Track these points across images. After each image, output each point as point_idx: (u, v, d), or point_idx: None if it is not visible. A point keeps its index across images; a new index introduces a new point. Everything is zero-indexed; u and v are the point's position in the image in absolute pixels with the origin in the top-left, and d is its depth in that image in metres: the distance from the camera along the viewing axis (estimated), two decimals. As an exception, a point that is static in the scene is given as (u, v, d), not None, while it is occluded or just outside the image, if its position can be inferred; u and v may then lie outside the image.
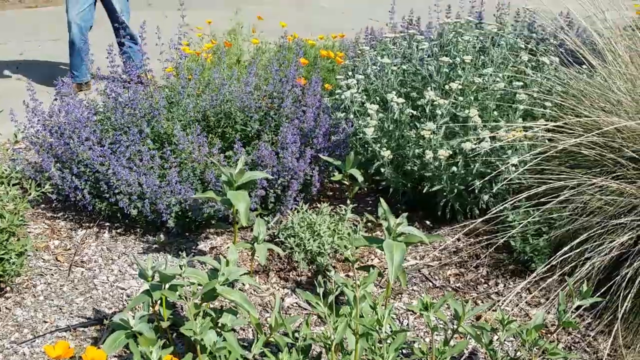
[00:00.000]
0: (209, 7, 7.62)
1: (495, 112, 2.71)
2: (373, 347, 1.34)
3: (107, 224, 2.82)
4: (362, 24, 4.43)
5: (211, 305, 2.08)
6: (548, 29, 3.37)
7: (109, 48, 2.96)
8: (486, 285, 2.45)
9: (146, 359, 1.26)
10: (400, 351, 1.49)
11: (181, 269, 1.74)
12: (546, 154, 2.42)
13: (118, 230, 2.78)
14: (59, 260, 2.58)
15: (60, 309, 2.31)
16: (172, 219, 2.61)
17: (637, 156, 2.35)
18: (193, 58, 3.73)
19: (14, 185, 2.39)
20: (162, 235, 2.69)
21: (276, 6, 8.01)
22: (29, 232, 2.70)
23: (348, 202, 2.69)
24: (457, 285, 2.46)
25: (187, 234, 2.74)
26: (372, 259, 2.61)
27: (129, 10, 4.60)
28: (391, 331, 1.76)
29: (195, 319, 1.71)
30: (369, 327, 1.24)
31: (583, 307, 2.29)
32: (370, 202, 3.01)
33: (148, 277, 1.96)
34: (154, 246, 2.66)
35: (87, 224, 2.82)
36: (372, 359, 1.29)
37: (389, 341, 1.25)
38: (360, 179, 2.75)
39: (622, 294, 2.15)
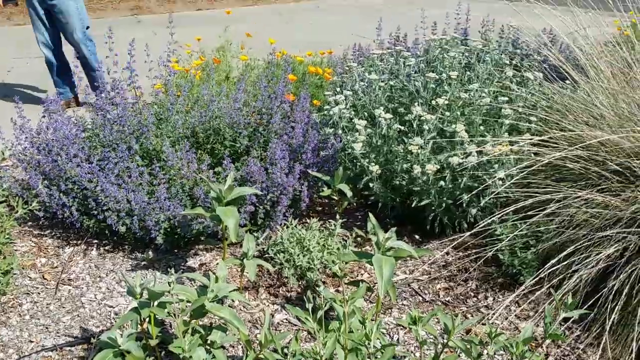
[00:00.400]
0: (198, 24, 7.66)
1: (482, 127, 2.74)
2: (363, 362, 1.34)
3: (95, 241, 2.80)
4: (350, 40, 4.47)
5: (200, 322, 2.08)
6: (532, 45, 3.42)
7: (97, 66, 2.97)
8: (475, 298, 2.46)
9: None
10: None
11: (170, 285, 1.74)
12: (532, 168, 2.44)
13: (106, 248, 2.76)
14: (45, 279, 2.56)
15: (47, 328, 2.29)
16: (160, 236, 2.60)
17: (620, 169, 2.38)
18: (182, 75, 3.74)
19: (0, 202, 2.38)
20: (150, 252, 2.68)
21: (265, 23, 8.07)
22: (16, 250, 2.68)
23: (337, 217, 2.70)
24: (447, 299, 2.46)
25: (176, 250, 2.73)
26: (362, 274, 2.61)
27: (84, 27, 4.51)
28: (380, 345, 1.76)
29: (184, 336, 1.70)
30: (357, 342, 1.24)
31: (572, 320, 2.30)
32: (359, 217, 3.02)
33: (136, 294, 1.95)
34: (143, 263, 2.65)
35: (75, 242, 2.80)
36: (361, 373, 1.29)
37: (377, 355, 1.25)
38: (349, 194, 2.77)
39: (609, 307, 2.16)
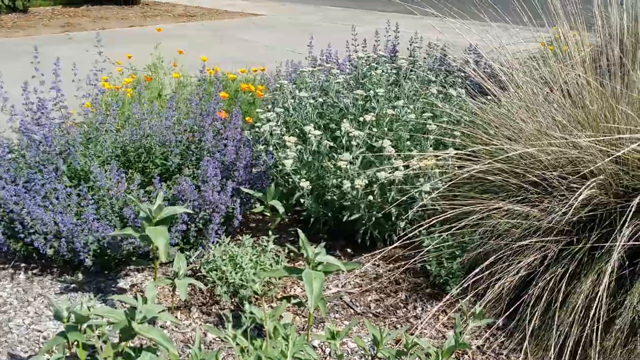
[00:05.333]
0: (130, 41, 7.58)
1: (408, 142, 2.83)
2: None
3: (23, 264, 2.73)
4: (284, 57, 4.52)
5: (132, 344, 2.05)
6: (457, 63, 3.56)
7: (24, 85, 2.91)
8: (405, 309, 2.53)
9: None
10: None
11: (89, 309, 1.73)
12: (456, 181, 2.54)
13: (34, 271, 2.70)
14: (-30, 305, 2.48)
15: (-28, 356, 2.22)
16: (89, 258, 2.56)
17: (538, 180, 2.50)
18: (112, 93, 3.71)
19: None
20: (80, 275, 2.64)
21: (198, 41, 8.05)
22: (-63, 277, 2.59)
23: (270, 233, 2.72)
24: (378, 310, 2.52)
25: (106, 271, 2.69)
26: (295, 289, 2.64)
27: None
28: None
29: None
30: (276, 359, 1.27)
31: (496, 327, 2.39)
32: (292, 232, 3.05)
33: (64, 318, 1.92)
34: (72, 286, 2.60)
35: (2, 265, 2.72)
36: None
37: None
38: (282, 210, 2.80)
39: (530, 312, 2.27)
